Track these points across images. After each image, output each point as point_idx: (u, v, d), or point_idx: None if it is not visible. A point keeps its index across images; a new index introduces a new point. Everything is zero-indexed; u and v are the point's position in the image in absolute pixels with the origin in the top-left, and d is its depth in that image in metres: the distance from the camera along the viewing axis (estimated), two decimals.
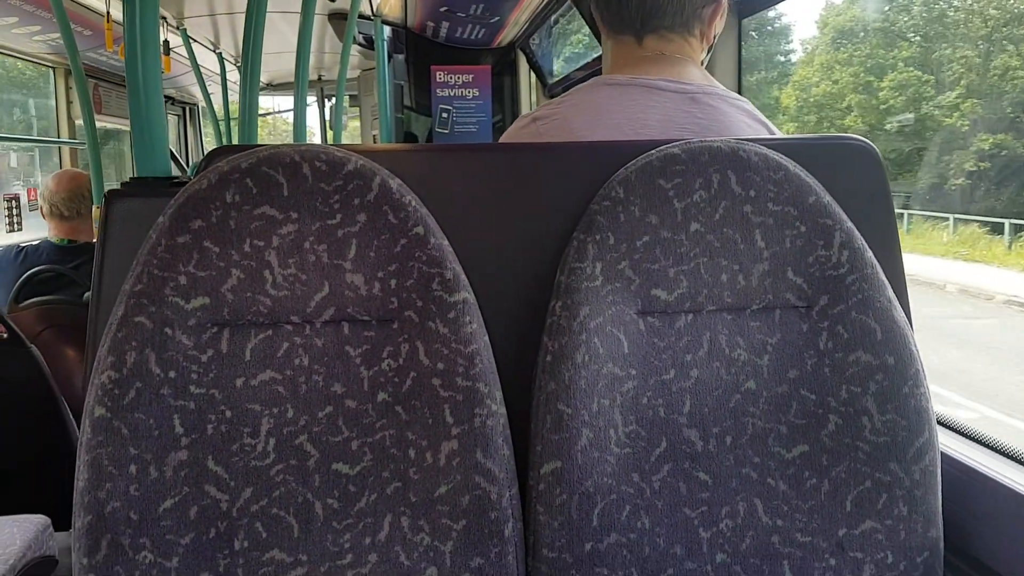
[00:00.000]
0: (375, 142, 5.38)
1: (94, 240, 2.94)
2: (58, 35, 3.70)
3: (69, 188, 2.90)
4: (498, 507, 0.86)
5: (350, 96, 6.56)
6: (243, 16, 4.15)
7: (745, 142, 0.94)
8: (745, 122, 1.14)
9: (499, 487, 0.86)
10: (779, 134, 1.16)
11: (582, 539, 0.87)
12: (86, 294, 2.65)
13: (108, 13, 3.57)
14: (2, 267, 2.81)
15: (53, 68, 4.87)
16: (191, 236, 0.85)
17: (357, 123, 6.97)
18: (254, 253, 0.86)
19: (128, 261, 0.89)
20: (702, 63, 1.22)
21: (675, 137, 1.03)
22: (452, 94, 4.72)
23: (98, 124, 3.60)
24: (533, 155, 1.01)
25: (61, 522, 1.93)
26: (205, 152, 7.44)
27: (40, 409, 2.08)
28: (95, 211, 2.87)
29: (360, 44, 4.67)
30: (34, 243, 2.94)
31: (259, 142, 2.17)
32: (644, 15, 1.17)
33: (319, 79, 7.02)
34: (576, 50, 4.65)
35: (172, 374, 0.84)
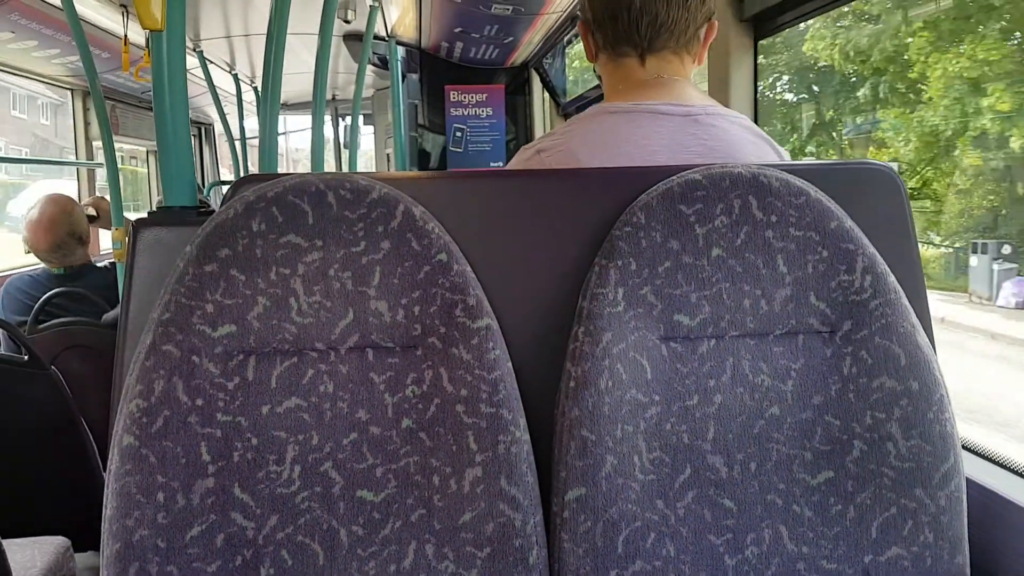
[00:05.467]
0: (388, 161, 5.41)
1: (89, 261, 2.95)
2: (76, 57, 3.75)
3: (49, 240, 2.85)
4: (523, 534, 0.86)
5: (364, 115, 6.61)
6: (258, 38, 4.19)
7: (766, 167, 0.94)
8: (748, 139, 1.15)
9: (523, 514, 0.86)
10: (780, 148, 1.16)
11: (607, 566, 0.87)
12: (104, 315, 2.67)
13: (126, 36, 3.62)
14: (19, 296, 2.85)
15: (71, 90, 4.93)
16: (218, 265, 0.86)
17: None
18: (280, 281, 0.87)
19: (155, 289, 0.90)
20: None
21: (683, 161, 1.03)
22: (466, 113, 4.75)
23: (115, 145, 3.63)
24: (553, 181, 1.02)
25: (81, 543, 1.95)
26: (220, 171, 7.48)
27: (59, 430, 2.10)
28: (115, 232, 2.88)
29: (375, 64, 4.71)
30: (35, 271, 2.96)
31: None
32: (653, 34, 1.17)
33: (333, 99, 7.07)
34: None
35: (199, 402, 0.84)
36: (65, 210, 2.92)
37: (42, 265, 2.95)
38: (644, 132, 1.12)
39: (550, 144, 1.17)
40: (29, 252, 2.91)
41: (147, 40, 3.55)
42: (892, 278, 0.92)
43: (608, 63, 1.25)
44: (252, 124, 6.12)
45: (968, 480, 0.93)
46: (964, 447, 1.05)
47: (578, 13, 3.31)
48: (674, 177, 0.94)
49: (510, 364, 0.90)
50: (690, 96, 1.17)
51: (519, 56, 4.68)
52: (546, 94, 4.71)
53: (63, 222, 2.88)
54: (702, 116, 1.14)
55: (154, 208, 5.41)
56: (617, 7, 1.18)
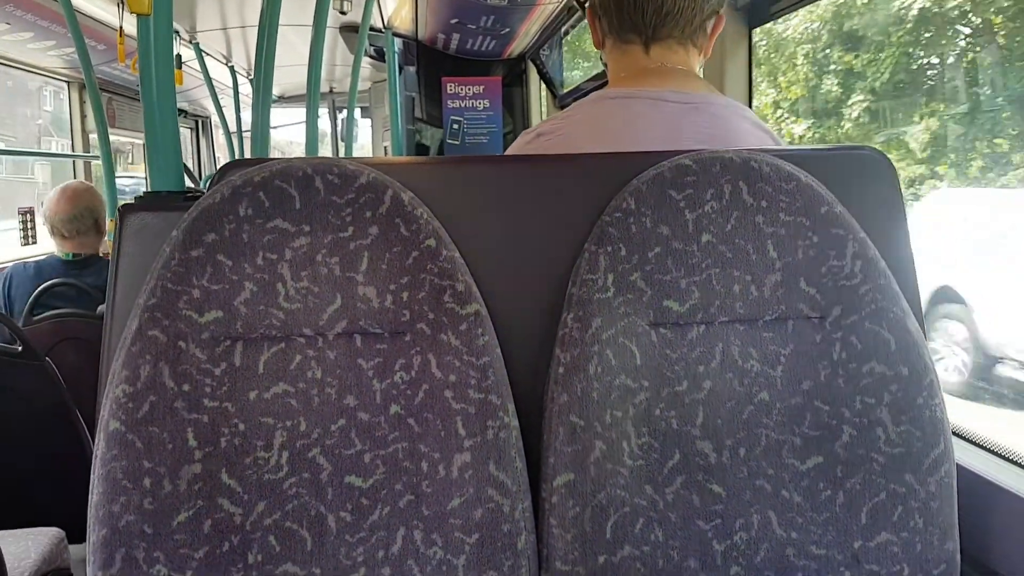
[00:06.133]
0: (386, 153, 5.41)
1: (99, 252, 2.96)
2: (72, 49, 3.74)
3: (67, 209, 2.90)
4: (511, 520, 0.86)
5: (361, 108, 6.59)
6: (254, 30, 4.18)
7: (756, 152, 0.94)
8: (748, 130, 1.14)
9: (512, 500, 0.86)
10: (780, 140, 1.16)
11: (596, 552, 0.86)
12: (100, 307, 2.67)
13: (121, 28, 3.61)
14: (17, 282, 2.85)
15: (68, 82, 4.92)
16: (205, 250, 0.86)
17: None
18: (267, 266, 0.87)
19: (142, 275, 0.90)
20: None
21: (681, 147, 1.03)
22: (463, 105, 4.76)
23: (111, 137, 3.63)
24: (544, 167, 1.02)
25: (75, 534, 1.95)
26: (218, 164, 7.50)
27: (54, 422, 2.09)
28: (109, 224, 2.89)
29: (371, 57, 4.70)
30: (42, 257, 2.97)
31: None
32: (658, 22, 1.17)
33: (330, 91, 7.06)
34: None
35: (186, 387, 0.84)
36: (89, 190, 3.02)
37: (47, 254, 2.97)
38: (643, 119, 1.12)
39: (550, 128, 1.18)
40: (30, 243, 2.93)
41: None
42: (883, 263, 0.92)
43: (613, 50, 1.25)
44: (248, 117, 6.10)
45: (959, 466, 0.93)
46: (955, 433, 1.05)
47: (574, 3, 3.31)
48: (664, 162, 0.94)
49: (499, 350, 0.90)
50: (692, 85, 1.17)
51: (516, 47, 4.67)
52: (543, 85, 4.70)
53: (85, 197, 2.96)
54: (702, 104, 1.14)
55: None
56: None
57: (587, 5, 1.29)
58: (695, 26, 1.18)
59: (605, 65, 1.31)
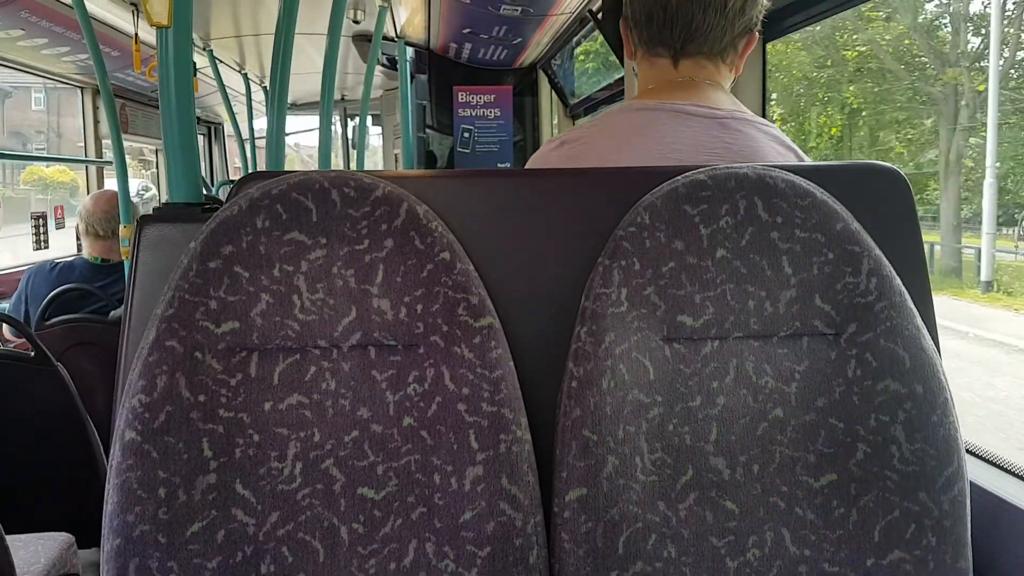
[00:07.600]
0: (396, 161, 5.43)
1: (123, 259, 2.99)
2: (85, 56, 3.77)
3: (106, 209, 2.98)
4: (523, 534, 0.86)
5: (372, 116, 6.62)
6: (268, 38, 4.19)
7: (772, 168, 0.94)
8: (774, 148, 1.14)
9: (524, 514, 0.86)
10: (807, 160, 1.16)
11: (608, 568, 0.86)
12: (112, 312, 2.68)
13: (136, 35, 3.63)
14: (37, 282, 2.87)
15: (81, 88, 4.95)
16: (222, 261, 0.86)
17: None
18: (283, 278, 0.87)
19: (159, 285, 0.90)
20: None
21: (704, 162, 1.03)
22: (474, 114, 4.77)
23: (124, 143, 3.65)
24: (559, 181, 1.02)
25: (85, 539, 1.95)
26: (229, 170, 7.50)
27: (65, 427, 2.10)
28: (123, 230, 2.92)
29: (383, 65, 4.72)
30: (68, 259, 3.00)
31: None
32: (686, 38, 1.17)
33: (342, 99, 7.09)
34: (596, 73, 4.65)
35: (202, 398, 0.84)
36: None
37: (74, 255, 3.01)
38: (668, 130, 1.13)
39: (575, 136, 1.18)
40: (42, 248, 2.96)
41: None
42: (898, 280, 0.92)
43: (643, 61, 1.26)
44: (261, 124, 6.12)
45: (972, 484, 0.93)
46: (968, 451, 1.05)
47: (587, 15, 3.31)
48: (679, 177, 0.94)
49: (512, 363, 0.90)
50: (719, 100, 1.17)
51: (527, 57, 4.68)
52: (554, 95, 4.71)
53: None
54: (728, 120, 1.14)
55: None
56: (653, 7, 1.18)
57: (620, 17, 1.29)
58: (725, 44, 1.19)
59: (637, 75, 1.32)
